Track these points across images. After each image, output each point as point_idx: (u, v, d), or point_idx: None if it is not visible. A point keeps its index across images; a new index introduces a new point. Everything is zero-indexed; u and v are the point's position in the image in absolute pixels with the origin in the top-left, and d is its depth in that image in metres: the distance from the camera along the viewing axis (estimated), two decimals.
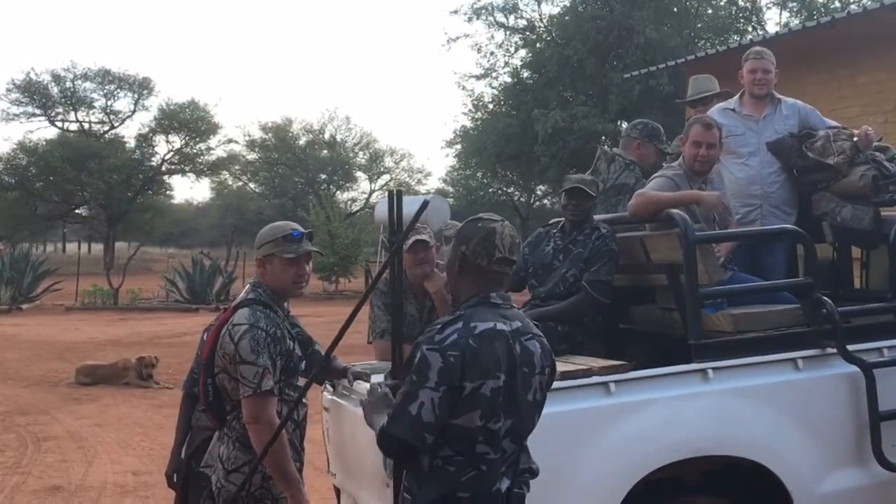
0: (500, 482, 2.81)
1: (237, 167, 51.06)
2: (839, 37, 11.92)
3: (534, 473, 2.97)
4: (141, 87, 44.28)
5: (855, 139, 4.96)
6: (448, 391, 2.71)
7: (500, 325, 2.82)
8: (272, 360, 3.49)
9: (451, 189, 44.41)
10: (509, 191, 36.41)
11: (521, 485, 2.91)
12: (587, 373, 3.97)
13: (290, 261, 3.64)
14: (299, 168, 51.37)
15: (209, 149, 45.05)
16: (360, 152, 53.82)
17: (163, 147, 44.12)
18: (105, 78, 43.75)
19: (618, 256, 4.72)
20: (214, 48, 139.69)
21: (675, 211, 4.33)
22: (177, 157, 44.17)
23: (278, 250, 3.63)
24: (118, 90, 44.24)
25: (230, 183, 54.18)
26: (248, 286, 3.75)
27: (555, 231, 4.93)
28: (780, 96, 5.42)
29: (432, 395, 2.69)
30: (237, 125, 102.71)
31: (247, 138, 51.79)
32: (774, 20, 28.06)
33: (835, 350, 4.19)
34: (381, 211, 30.67)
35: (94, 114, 45.19)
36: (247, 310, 3.55)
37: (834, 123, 5.37)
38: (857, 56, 11.91)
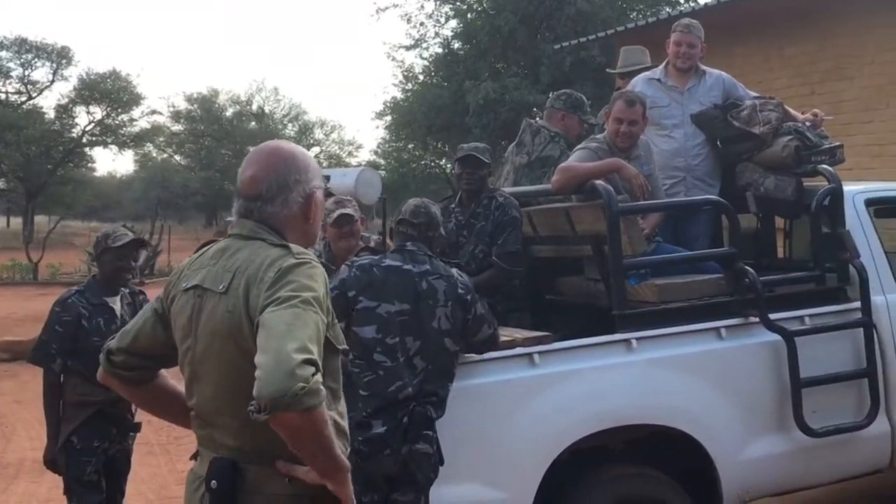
0: (398, 388, 3.50)
1: (162, 139, 50.09)
2: (769, 8, 12.02)
3: (439, 397, 3.56)
4: (60, 57, 42.78)
5: (808, 123, 5.00)
6: (340, 295, 3.54)
7: (406, 266, 3.68)
8: None
9: (382, 161, 44.10)
10: (441, 163, 36.24)
11: (426, 405, 3.51)
12: (511, 344, 3.96)
13: None
14: (226, 140, 50.53)
15: (132, 120, 43.99)
16: (290, 124, 53.30)
17: (83, 118, 42.94)
18: (22, 47, 42.16)
19: (520, 222, 4.72)
20: (136, 17, 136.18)
21: (598, 182, 4.31)
22: (98, 129, 43.01)
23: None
24: (36, 59, 42.69)
25: (154, 155, 53.17)
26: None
27: (453, 205, 4.87)
28: (705, 68, 5.42)
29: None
30: (161, 96, 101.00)
31: (171, 109, 50.84)
32: None
33: (757, 319, 4.23)
34: None
35: (10, 84, 43.65)
36: None
37: (757, 95, 5.40)
38: (786, 28, 12.00)
